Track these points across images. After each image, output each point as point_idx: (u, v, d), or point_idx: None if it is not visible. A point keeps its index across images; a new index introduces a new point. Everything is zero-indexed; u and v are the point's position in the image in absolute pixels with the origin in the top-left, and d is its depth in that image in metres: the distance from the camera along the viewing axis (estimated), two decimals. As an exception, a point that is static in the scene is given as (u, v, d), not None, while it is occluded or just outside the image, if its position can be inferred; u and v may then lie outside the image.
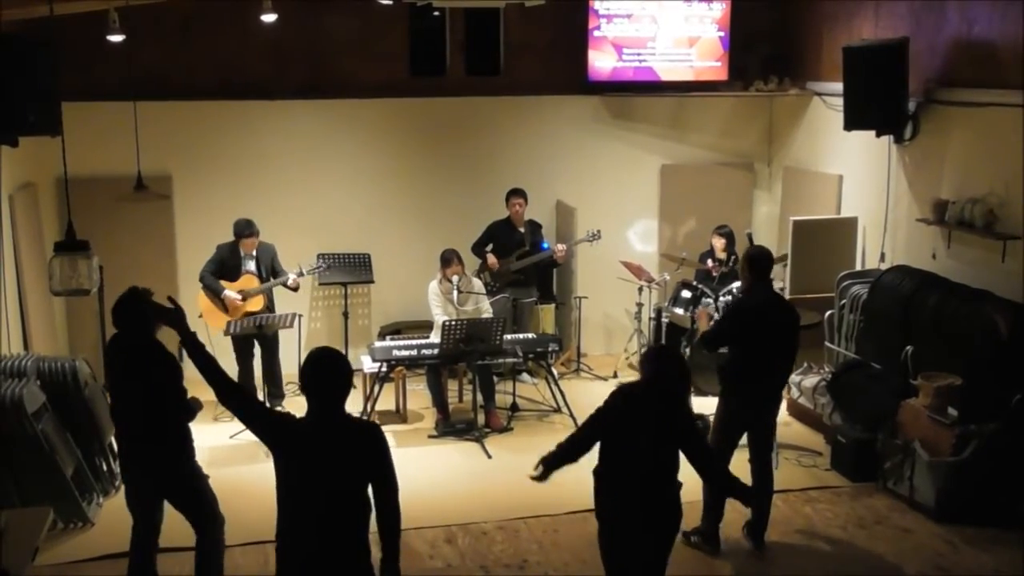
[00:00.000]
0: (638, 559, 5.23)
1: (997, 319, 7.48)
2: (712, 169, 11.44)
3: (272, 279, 9.41)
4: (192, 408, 5.85)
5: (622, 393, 5.33)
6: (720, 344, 7.02)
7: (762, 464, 6.91)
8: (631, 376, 10.25)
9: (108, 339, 5.85)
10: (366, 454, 4.40)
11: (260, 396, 9.32)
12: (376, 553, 4.52)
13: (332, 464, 4.33)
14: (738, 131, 11.48)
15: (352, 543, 4.40)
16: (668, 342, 10.08)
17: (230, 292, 9.21)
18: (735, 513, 7.08)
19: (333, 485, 4.33)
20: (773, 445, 7.00)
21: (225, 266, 9.31)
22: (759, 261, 6.84)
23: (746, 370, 6.74)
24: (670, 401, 5.21)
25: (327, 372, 4.37)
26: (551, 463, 5.37)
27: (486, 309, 9.43)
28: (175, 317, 5.13)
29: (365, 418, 8.87)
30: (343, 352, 4.66)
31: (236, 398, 4.67)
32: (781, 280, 10.02)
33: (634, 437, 5.12)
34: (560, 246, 10.25)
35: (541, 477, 5.35)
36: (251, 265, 9.37)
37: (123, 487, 5.98)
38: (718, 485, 5.66)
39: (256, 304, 9.32)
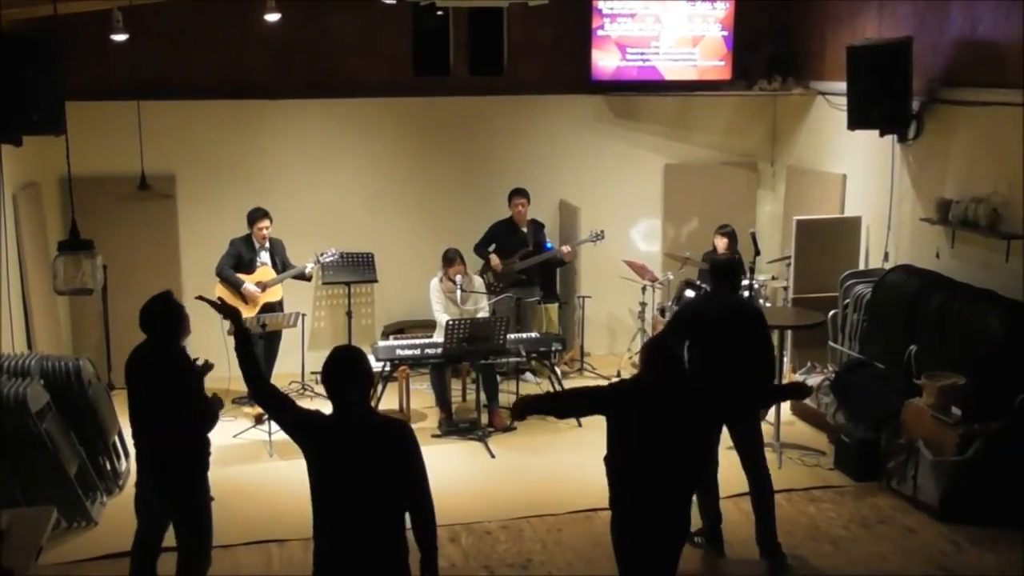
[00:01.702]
0: (646, 552, 5.19)
1: (992, 321, 7.48)
2: (716, 168, 11.43)
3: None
4: (214, 409, 5.78)
5: (618, 387, 5.31)
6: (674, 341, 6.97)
7: (755, 471, 6.78)
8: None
9: (131, 351, 5.79)
10: (391, 452, 4.38)
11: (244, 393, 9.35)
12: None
13: (355, 461, 4.35)
14: (742, 130, 11.47)
15: (383, 541, 4.40)
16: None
17: (250, 285, 9.28)
18: (737, 513, 7.10)
19: (357, 482, 4.34)
20: (762, 451, 6.84)
21: (241, 260, 9.39)
22: (715, 269, 6.99)
23: (710, 375, 6.66)
24: (666, 399, 5.15)
25: (338, 370, 4.40)
26: (532, 406, 5.37)
27: (483, 308, 9.43)
28: (234, 311, 5.25)
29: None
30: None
31: (269, 395, 4.71)
32: (785, 279, 10.03)
33: (631, 432, 5.08)
34: (565, 247, 10.24)
35: (517, 415, 5.35)
36: (265, 257, 9.49)
37: (133, 489, 5.92)
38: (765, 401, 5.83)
39: (275, 295, 9.43)
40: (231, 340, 5.04)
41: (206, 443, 5.76)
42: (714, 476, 6.85)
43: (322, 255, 9.68)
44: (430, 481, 4.51)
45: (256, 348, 9.26)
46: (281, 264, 9.57)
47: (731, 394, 5.85)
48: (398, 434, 4.45)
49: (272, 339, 9.42)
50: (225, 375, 6.20)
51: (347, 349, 4.53)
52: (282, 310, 9.50)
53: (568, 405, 5.69)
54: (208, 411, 5.73)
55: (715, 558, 6.83)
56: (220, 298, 5.74)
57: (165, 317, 5.70)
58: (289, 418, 4.60)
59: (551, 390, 8.84)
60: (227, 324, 8.87)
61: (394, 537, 4.44)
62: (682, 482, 5.14)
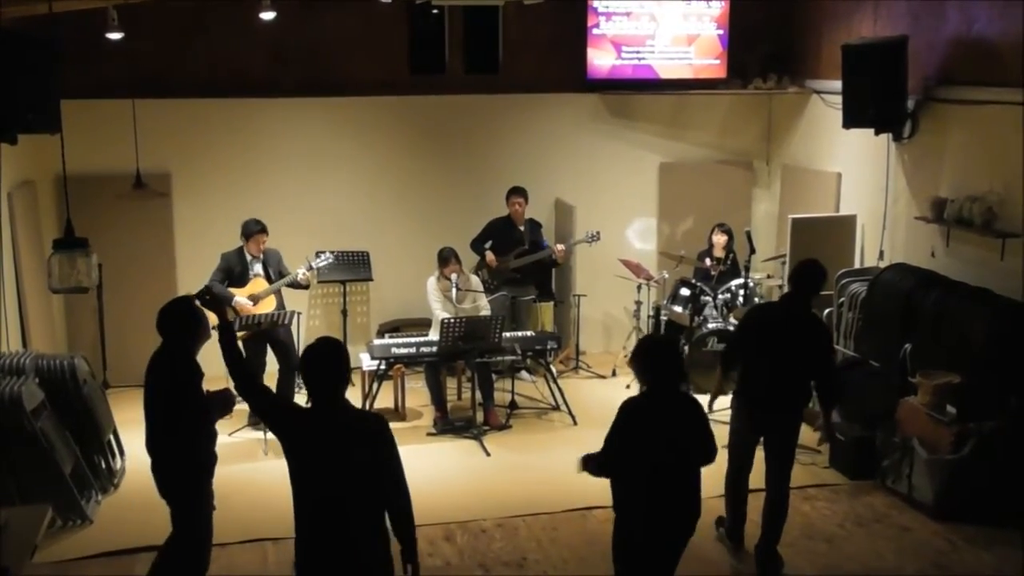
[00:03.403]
0: (654, 562, 5.20)
1: (986, 320, 7.49)
2: (711, 167, 11.44)
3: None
4: (229, 400, 5.77)
5: (627, 409, 5.17)
6: (733, 355, 6.83)
7: (776, 486, 6.65)
8: (629, 374, 10.24)
9: (150, 358, 5.74)
10: (368, 444, 4.42)
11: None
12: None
13: (333, 453, 4.38)
14: (737, 129, 11.48)
15: (363, 531, 4.42)
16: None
17: (240, 298, 9.02)
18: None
19: (336, 473, 4.37)
20: (789, 469, 6.66)
21: (232, 273, 9.11)
22: (794, 273, 6.75)
23: (747, 376, 6.66)
24: (678, 402, 5.17)
25: (317, 362, 4.44)
26: (591, 466, 5.22)
27: (484, 307, 9.43)
28: (218, 302, 5.26)
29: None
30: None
31: (252, 390, 4.79)
32: (780, 278, 10.04)
33: (648, 445, 5.07)
34: (559, 246, 10.25)
35: (583, 468, 5.24)
36: (258, 268, 9.21)
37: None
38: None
39: (268, 306, 9.16)
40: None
41: (206, 453, 5.75)
42: (746, 478, 6.86)
43: (315, 259, 9.53)
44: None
45: (263, 360, 9.28)
46: (276, 274, 9.27)
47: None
48: (374, 426, 4.51)
49: (285, 351, 9.17)
50: (222, 374, 6.18)
51: (327, 341, 4.55)
52: (279, 321, 9.30)
53: (613, 467, 5.27)
54: (207, 420, 5.71)
55: (731, 552, 6.85)
56: (208, 288, 5.66)
57: (177, 323, 5.66)
58: (270, 409, 4.71)
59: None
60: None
61: (374, 527, 4.46)
62: (690, 481, 5.17)
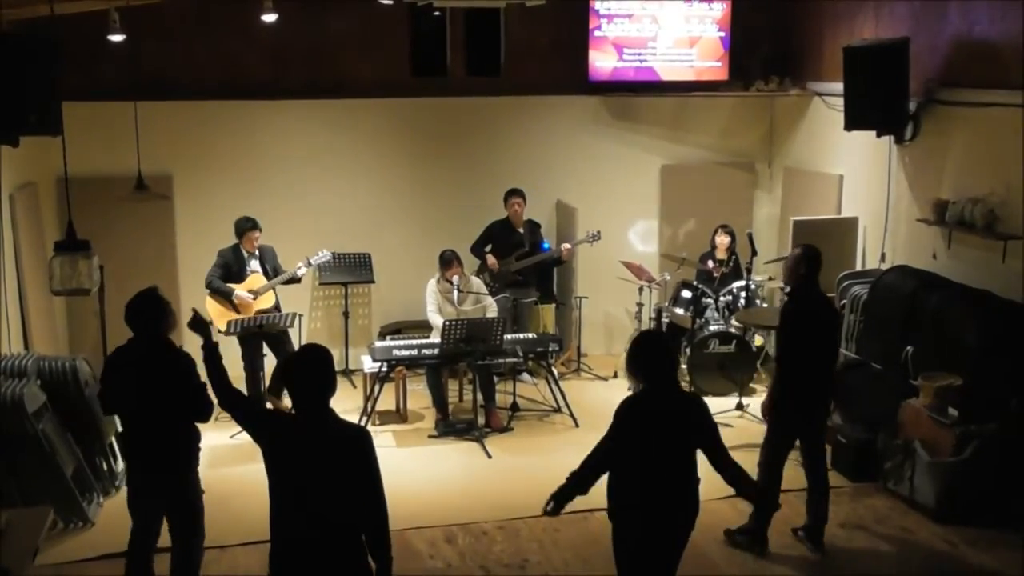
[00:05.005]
0: (654, 560, 5.20)
1: (988, 322, 7.51)
2: (713, 169, 11.44)
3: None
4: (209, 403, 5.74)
5: (627, 406, 5.15)
6: (793, 358, 6.69)
7: (816, 466, 6.86)
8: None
9: (111, 352, 5.75)
10: (348, 457, 4.34)
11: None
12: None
13: (312, 463, 4.31)
14: (739, 131, 11.48)
15: (342, 543, 4.35)
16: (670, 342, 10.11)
17: (241, 291, 9.16)
18: (734, 513, 7.09)
19: (313, 483, 4.30)
20: (824, 447, 6.99)
21: (230, 270, 9.23)
22: (815, 260, 6.71)
23: (794, 373, 6.63)
24: (676, 398, 5.16)
25: (304, 370, 4.38)
26: (562, 497, 5.21)
27: (490, 305, 9.43)
28: (203, 325, 5.25)
29: (364, 420, 8.92)
30: (336, 351, 4.67)
31: (236, 404, 4.78)
32: (782, 280, 10.02)
33: (647, 442, 5.06)
34: (565, 245, 10.26)
35: (553, 512, 5.21)
36: (255, 265, 9.34)
37: (125, 488, 5.93)
38: (730, 476, 5.24)
39: (267, 301, 9.30)
40: (230, 339, 5.04)
41: (197, 436, 5.80)
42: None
43: (313, 257, 9.59)
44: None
45: (260, 358, 9.30)
46: (272, 271, 9.39)
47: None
48: (356, 440, 4.40)
49: (280, 346, 9.24)
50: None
51: (315, 349, 4.47)
52: (281, 323, 9.34)
53: (596, 474, 5.32)
54: (206, 396, 5.69)
55: (756, 558, 6.83)
56: (195, 311, 5.69)
57: (152, 310, 5.68)
58: (252, 418, 4.65)
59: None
60: (223, 324, 8.97)
61: (353, 540, 4.37)
62: (689, 478, 5.15)
